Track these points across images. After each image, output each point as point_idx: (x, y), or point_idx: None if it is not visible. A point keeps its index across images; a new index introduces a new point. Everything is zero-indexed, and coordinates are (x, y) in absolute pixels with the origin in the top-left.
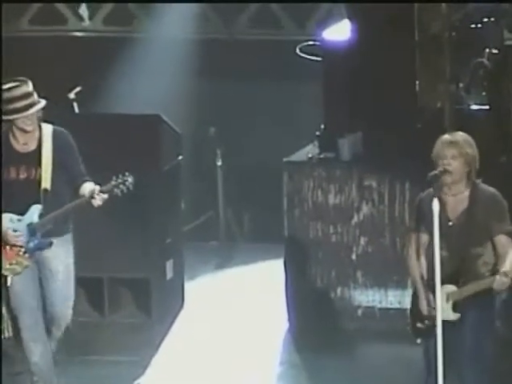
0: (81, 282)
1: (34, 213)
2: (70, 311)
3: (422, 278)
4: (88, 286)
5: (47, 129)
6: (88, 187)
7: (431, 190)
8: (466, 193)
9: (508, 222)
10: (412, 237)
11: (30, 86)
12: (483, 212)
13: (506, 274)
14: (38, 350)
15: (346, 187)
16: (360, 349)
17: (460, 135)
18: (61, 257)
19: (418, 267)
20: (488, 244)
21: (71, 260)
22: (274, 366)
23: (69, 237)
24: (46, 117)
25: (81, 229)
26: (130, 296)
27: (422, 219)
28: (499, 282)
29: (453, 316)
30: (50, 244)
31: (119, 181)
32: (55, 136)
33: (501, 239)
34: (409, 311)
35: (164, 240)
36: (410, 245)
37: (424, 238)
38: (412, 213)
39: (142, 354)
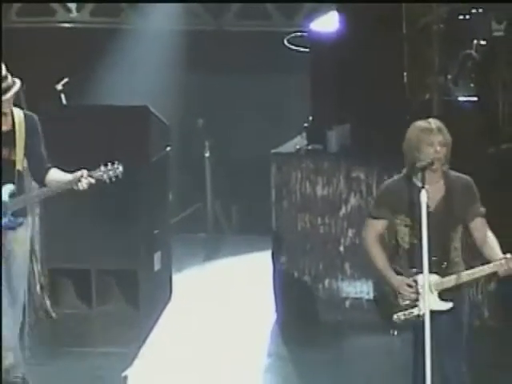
0: (68, 274)
1: (6, 192)
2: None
3: (388, 267)
4: (76, 278)
5: (18, 112)
6: (59, 173)
7: (395, 177)
8: (441, 180)
9: (481, 205)
10: (371, 223)
11: (3, 70)
12: (458, 198)
13: (508, 259)
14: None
15: (333, 179)
16: (347, 340)
17: (438, 122)
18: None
19: (382, 253)
20: (459, 229)
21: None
22: (261, 358)
23: (28, 220)
24: (33, 108)
25: (68, 220)
26: (117, 288)
27: (389, 206)
28: (502, 267)
29: (441, 305)
30: (20, 224)
31: (109, 168)
32: (26, 120)
33: (477, 223)
34: (378, 304)
35: (152, 232)
36: (369, 232)
37: (382, 225)
38: (375, 196)
39: (130, 345)
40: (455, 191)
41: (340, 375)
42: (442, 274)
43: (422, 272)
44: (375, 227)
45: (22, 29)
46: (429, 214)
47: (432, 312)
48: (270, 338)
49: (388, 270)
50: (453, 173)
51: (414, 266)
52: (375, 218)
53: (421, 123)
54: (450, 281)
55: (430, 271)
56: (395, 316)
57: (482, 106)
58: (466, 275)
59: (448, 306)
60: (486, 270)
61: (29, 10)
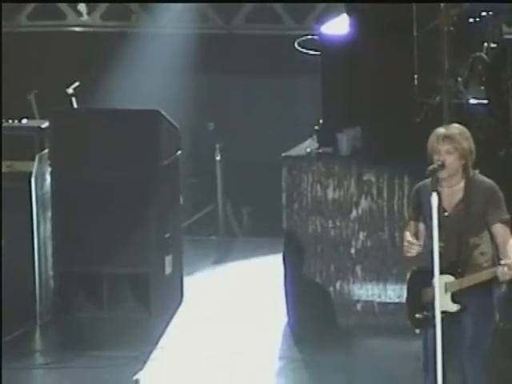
0: (80, 278)
1: None
2: None
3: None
4: (87, 282)
5: None
6: None
7: (427, 180)
8: (462, 184)
9: (504, 212)
10: (410, 224)
11: None
12: (479, 202)
13: (508, 265)
14: None
15: (344, 182)
16: (359, 343)
17: (455, 128)
18: None
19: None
20: (485, 234)
21: None
22: (273, 361)
23: None
24: (44, 112)
25: (79, 224)
26: (129, 291)
27: (418, 208)
28: (503, 272)
29: (452, 307)
30: None
31: None
32: None
33: (498, 228)
34: (406, 301)
35: (163, 235)
36: (409, 230)
37: (421, 226)
38: (410, 203)
39: (141, 348)
40: (476, 196)
41: (351, 378)
42: (458, 277)
43: (440, 273)
44: (411, 228)
45: (32, 33)
46: (446, 217)
47: (452, 313)
48: (281, 341)
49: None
50: (478, 177)
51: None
52: (409, 219)
53: (436, 130)
54: (454, 284)
55: (447, 273)
56: (416, 314)
57: (492, 109)
58: (468, 280)
59: (454, 307)
60: (486, 274)
61: (39, 13)
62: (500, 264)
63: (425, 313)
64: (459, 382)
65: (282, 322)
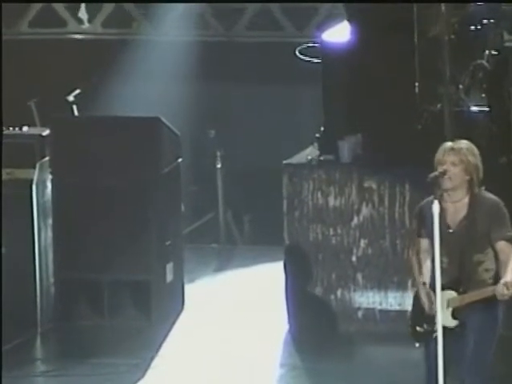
0: (81, 285)
1: None
2: None
3: (424, 280)
4: (88, 289)
5: None
6: None
7: (430, 198)
8: (466, 200)
9: (509, 229)
10: (414, 241)
11: None
12: (483, 219)
13: (507, 285)
14: None
15: (345, 189)
16: (360, 351)
17: (463, 143)
18: None
19: (419, 269)
20: (489, 251)
21: None
22: (274, 368)
23: None
24: (45, 119)
25: (81, 232)
26: (129, 298)
27: (422, 226)
28: (500, 291)
29: (451, 322)
30: None
31: None
32: None
33: (501, 246)
34: (409, 314)
35: (164, 242)
36: (413, 248)
37: (426, 243)
38: (412, 217)
39: (142, 356)
40: (480, 213)
41: None
42: (461, 293)
43: (443, 289)
44: (416, 244)
45: (33, 40)
46: (450, 234)
47: (453, 329)
48: (282, 349)
49: (419, 283)
50: (483, 194)
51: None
52: (414, 235)
53: (444, 144)
54: (456, 300)
55: (450, 289)
56: (417, 328)
57: (493, 117)
58: (469, 296)
59: (453, 323)
60: (487, 292)
61: (40, 21)
62: (499, 283)
63: (425, 326)
64: None
65: (283, 330)
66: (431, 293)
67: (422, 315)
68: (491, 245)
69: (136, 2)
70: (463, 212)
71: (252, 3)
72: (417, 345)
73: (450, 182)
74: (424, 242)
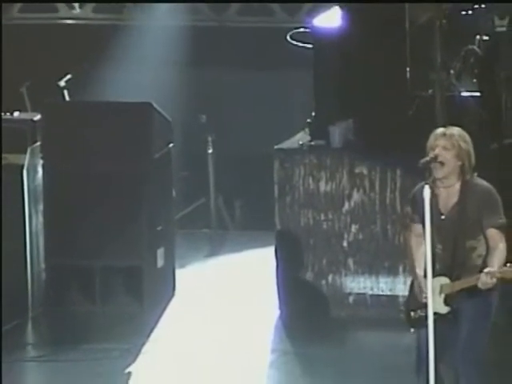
0: (72, 271)
1: None
2: None
3: (418, 266)
4: (79, 275)
5: None
6: None
7: (423, 183)
8: (457, 186)
9: (499, 216)
10: (410, 226)
11: None
12: (475, 205)
13: (490, 274)
14: None
15: (336, 174)
16: (351, 336)
17: (455, 129)
18: None
19: (415, 257)
20: (481, 237)
21: None
22: (265, 354)
23: None
24: (36, 104)
25: (72, 218)
26: (121, 284)
27: (415, 212)
28: (483, 281)
29: (443, 309)
30: None
31: None
32: None
33: (491, 233)
34: (405, 299)
35: (155, 228)
36: (409, 234)
37: (419, 228)
38: (404, 199)
39: (134, 341)
40: (472, 199)
41: (344, 371)
42: (454, 280)
43: (436, 275)
44: (412, 229)
45: (24, 25)
46: (443, 220)
47: (445, 315)
48: (273, 334)
49: (413, 271)
50: (475, 180)
51: (433, 269)
52: (410, 220)
53: (436, 130)
54: (449, 286)
55: (444, 276)
56: (412, 313)
57: (484, 102)
58: (459, 283)
59: (445, 309)
60: (471, 281)
61: (31, 6)
62: (483, 272)
63: (419, 312)
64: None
65: (274, 315)
66: (424, 279)
67: (416, 301)
68: (482, 231)
69: (132, 1)
70: (455, 198)
71: None
72: (412, 330)
73: (442, 167)
74: (417, 228)
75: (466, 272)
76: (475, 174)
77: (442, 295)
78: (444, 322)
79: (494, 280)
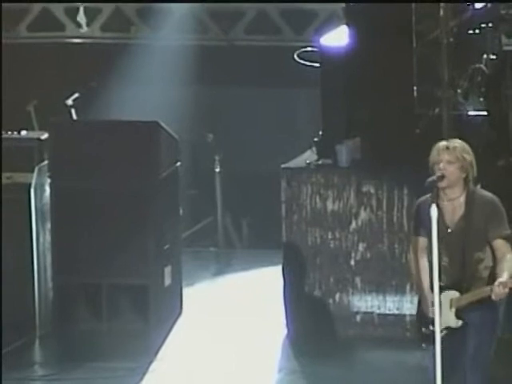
0: (79, 289)
1: None
2: None
3: (425, 281)
4: (86, 293)
5: None
6: None
7: (428, 195)
8: (462, 198)
9: (505, 227)
10: (412, 241)
11: None
12: (480, 217)
13: (503, 285)
14: None
15: (344, 193)
16: (358, 355)
17: (457, 142)
18: None
19: (419, 271)
20: (488, 248)
21: None
22: (272, 373)
23: None
24: (44, 123)
25: (79, 236)
26: (128, 302)
27: (420, 224)
28: (496, 292)
29: (455, 323)
30: None
31: None
32: None
33: (498, 244)
34: (415, 316)
35: (162, 246)
36: (412, 249)
37: (424, 241)
38: (411, 218)
39: (140, 360)
40: (477, 211)
41: None
42: (464, 293)
43: (445, 289)
44: (415, 244)
45: (31, 44)
46: (449, 234)
47: (458, 328)
48: (280, 353)
49: (419, 286)
50: (479, 192)
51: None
52: (412, 234)
53: (438, 143)
54: (459, 300)
55: (453, 289)
56: (423, 329)
57: (491, 120)
58: (468, 296)
59: (458, 323)
60: (481, 293)
61: (39, 25)
62: (495, 283)
63: (431, 328)
64: None
65: (281, 334)
66: (431, 294)
67: (426, 317)
68: (488, 242)
69: (136, 2)
70: (460, 211)
71: (250, 7)
72: (424, 346)
73: (447, 180)
74: (422, 241)
75: (475, 284)
76: (478, 186)
77: (453, 309)
78: (456, 335)
79: (507, 290)
